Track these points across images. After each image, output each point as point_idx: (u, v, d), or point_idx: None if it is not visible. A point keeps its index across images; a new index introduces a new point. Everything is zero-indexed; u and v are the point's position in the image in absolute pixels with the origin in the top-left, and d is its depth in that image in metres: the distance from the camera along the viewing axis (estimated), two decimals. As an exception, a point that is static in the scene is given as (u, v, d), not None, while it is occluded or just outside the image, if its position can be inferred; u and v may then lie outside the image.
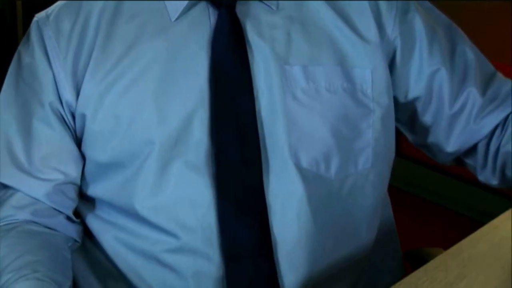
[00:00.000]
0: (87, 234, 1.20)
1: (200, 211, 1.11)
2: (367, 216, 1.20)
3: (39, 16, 1.19)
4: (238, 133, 1.12)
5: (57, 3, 1.20)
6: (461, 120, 1.23)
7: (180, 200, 1.11)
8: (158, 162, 1.11)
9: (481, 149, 1.24)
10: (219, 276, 1.11)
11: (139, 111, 1.12)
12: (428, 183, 2.73)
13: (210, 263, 1.11)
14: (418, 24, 1.21)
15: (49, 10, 1.19)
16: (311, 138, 1.14)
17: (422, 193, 2.76)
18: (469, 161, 1.27)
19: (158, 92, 1.12)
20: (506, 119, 1.22)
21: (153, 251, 1.13)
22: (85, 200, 1.20)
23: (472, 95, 1.22)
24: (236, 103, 1.12)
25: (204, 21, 1.15)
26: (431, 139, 1.26)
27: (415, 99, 1.23)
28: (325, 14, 1.17)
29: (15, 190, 1.16)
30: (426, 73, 1.21)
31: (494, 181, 1.25)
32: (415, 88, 1.22)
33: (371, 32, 1.18)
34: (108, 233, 1.16)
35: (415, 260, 1.35)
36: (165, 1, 1.16)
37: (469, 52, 1.24)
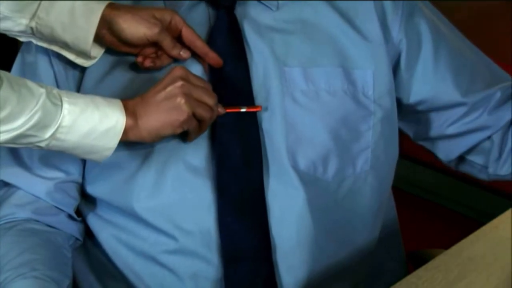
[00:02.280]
0: (88, 233, 1.20)
1: (199, 213, 1.11)
2: (367, 218, 1.19)
3: None
4: (239, 135, 1.12)
5: None
6: (473, 114, 1.23)
7: (179, 202, 1.11)
8: (157, 163, 1.11)
9: (496, 140, 1.24)
10: (217, 278, 1.11)
11: None
12: (428, 183, 2.72)
13: (209, 265, 1.11)
14: (424, 27, 1.21)
15: None
16: (310, 140, 1.13)
17: (422, 193, 2.76)
18: (476, 158, 1.27)
19: None
20: None
21: (152, 251, 1.13)
22: (86, 199, 1.20)
23: (487, 94, 1.22)
24: (235, 105, 1.12)
25: (204, 22, 1.15)
26: (433, 132, 1.25)
27: (420, 102, 1.22)
28: (326, 15, 1.17)
29: (16, 188, 1.16)
30: (431, 76, 1.21)
31: (504, 172, 1.24)
32: (419, 91, 1.22)
33: (374, 32, 1.18)
34: (108, 232, 1.16)
35: (418, 262, 1.35)
36: (165, 2, 1.16)
37: (476, 55, 1.25)
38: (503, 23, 2.48)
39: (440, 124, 1.25)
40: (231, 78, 1.13)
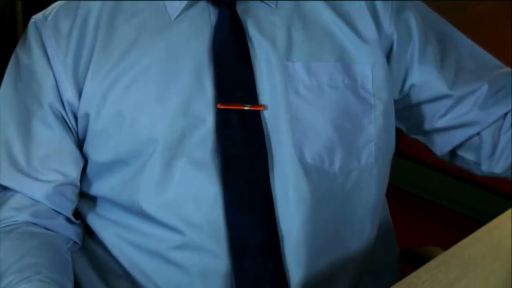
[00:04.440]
0: (89, 233, 1.20)
1: (206, 207, 1.11)
2: (370, 211, 1.20)
3: (36, 17, 1.19)
4: (243, 130, 1.12)
5: (55, 4, 1.20)
6: (462, 107, 1.24)
7: (186, 197, 1.11)
8: (162, 159, 1.11)
9: (486, 137, 1.25)
10: (225, 272, 1.11)
11: (141, 109, 1.12)
12: (428, 183, 2.73)
13: (217, 260, 1.11)
14: (413, 21, 1.23)
15: (46, 11, 1.19)
16: (315, 133, 1.14)
17: (422, 193, 2.76)
18: (467, 155, 1.28)
19: (160, 90, 1.12)
20: None
21: (159, 248, 1.13)
22: (86, 199, 1.20)
23: (474, 87, 1.23)
24: (239, 101, 1.12)
25: (205, 19, 1.15)
26: (425, 125, 1.27)
27: (409, 93, 1.24)
28: (324, 13, 1.18)
29: (15, 191, 1.16)
30: (418, 68, 1.23)
31: (498, 170, 1.25)
32: (408, 83, 1.23)
33: (370, 31, 1.19)
34: (111, 231, 1.16)
35: (412, 259, 1.36)
36: (165, 1, 1.16)
37: (465, 45, 1.27)
38: (503, 23, 2.48)
39: (430, 116, 1.26)
40: (235, 75, 1.13)
